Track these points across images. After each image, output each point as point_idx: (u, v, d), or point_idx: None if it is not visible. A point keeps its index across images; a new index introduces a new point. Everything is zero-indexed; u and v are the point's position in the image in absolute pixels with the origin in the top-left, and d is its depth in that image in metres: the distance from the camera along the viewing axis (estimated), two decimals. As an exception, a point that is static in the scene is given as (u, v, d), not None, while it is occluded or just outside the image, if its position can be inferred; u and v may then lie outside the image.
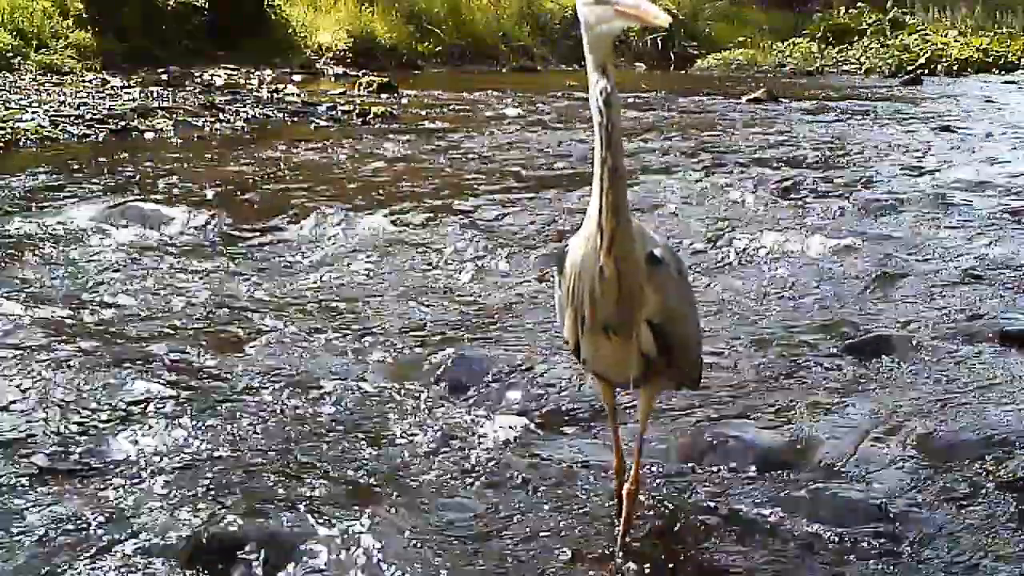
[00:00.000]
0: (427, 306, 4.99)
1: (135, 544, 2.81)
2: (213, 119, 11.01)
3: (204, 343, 4.38)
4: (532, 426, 3.66)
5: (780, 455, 3.46)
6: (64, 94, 11.87)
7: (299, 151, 9.39)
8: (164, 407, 3.68)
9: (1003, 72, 20.76)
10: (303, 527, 2.90)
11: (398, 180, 8.24)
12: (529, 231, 6.48)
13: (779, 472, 3.35)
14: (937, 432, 3.63)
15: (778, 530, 3.00)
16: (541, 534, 2.96)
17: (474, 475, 3.29)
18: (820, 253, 5.94)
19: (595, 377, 2.87)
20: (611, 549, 2.87)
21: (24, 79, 13.03)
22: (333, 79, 16.89)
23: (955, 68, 20.87)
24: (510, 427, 3.62)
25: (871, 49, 22.48)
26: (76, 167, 8.19)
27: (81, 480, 3.17)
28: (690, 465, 3.42)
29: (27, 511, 2.97)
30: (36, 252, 5.67)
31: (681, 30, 23.22)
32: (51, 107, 10.68)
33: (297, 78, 15.82)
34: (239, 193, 7.57)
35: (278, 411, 3.71)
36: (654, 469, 3.35)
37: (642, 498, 3.02)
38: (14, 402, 3.66)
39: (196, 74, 14.84)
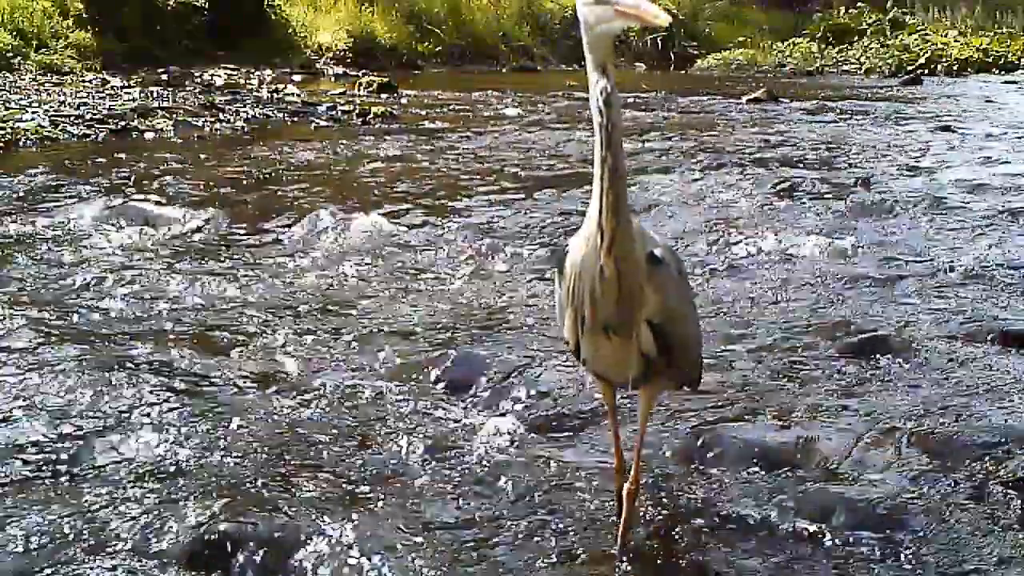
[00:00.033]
0: (427, 306, 4.99)
1: (135, 544, 2.81)
2: (213, 119, 11.01)
3: (204, 343, 4.38)
4: (532, 426, 3.66)
5: (780, 455, 3.45)
6: (64, 94, 11.87)
7: (299, 151, 9.39)
8: (164, 407, 3.68)
9: (1003, 72, 20.77)
10: (302, 527, 2.90)
11: (398, 180, 8.24)
12: (529, 231, 6.48)
13: (779, 472, 3.35)
14: (937, 432, 3.63)
15: (778, 530, 3.00)
16: (541, 534, 2.95)
17: (474, 475, 3.29)
18: (820, 253, 5.95)
19: (595, 377, 2.87)
20: (611, 549, 2.87)
21: (24, 79, 13.03)
22: (333, 79, 16.90)
23: (955, 68, 20.88)
24: (509, 427, 3.62)
25: (871, 49, 22.49)
26: (76, 167, 8.19)
27: (80, 481, 3.17)
28: (690, 465, 3.42)
29: (26, 512, 2.97)
30: (36, 252, 5.67)
31: (681, 30, 23.23)
32: (51, 107, 10.68)
33: (297, 78, 15.83)
34: (239, 193, 7.57)
35: (278, 412, 3.71)
36: (654, 469, 3.35)
37: (642, 498, 3.01)
38: (13, 403, 3.66)
39: (196, 74, 14.85)
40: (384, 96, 14.27)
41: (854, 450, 3.51)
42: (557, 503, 3.13)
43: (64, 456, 3.30)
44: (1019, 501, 3.18)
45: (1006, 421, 3.74)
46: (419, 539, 2.90)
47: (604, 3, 2.33)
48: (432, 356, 4.20)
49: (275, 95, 13.24)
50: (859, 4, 24.40)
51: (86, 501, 3.03)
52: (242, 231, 6.36)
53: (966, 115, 13.51)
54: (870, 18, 23.83)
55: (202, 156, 9.09)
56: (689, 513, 3.12)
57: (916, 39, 22.32)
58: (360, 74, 16.60)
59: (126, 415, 3.61)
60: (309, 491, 3.14)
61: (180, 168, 8.40)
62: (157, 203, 6.83)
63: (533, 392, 3.92)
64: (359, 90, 14.77)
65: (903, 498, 3.18)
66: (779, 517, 3.06)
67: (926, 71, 20.44)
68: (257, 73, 15.85)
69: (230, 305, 4.90)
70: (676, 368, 2.73)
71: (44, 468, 3.23)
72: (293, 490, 3.15)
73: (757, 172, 8.66)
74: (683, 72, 22.19)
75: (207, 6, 17.35)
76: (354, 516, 2.98)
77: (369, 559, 2.78)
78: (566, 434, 3.64)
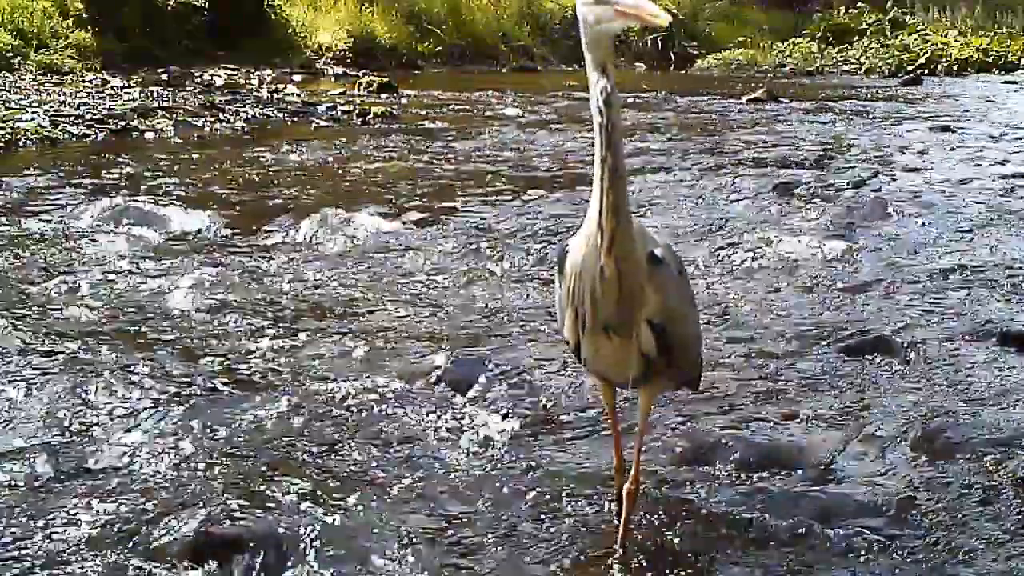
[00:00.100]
0: (427, 306, 4.99)
1: (135, 544, 2.81)
2: (213, 119, 11.01)
3: (204, 343, 4.38)
4: (531, 426, 3.66)
5: (780, 455, 3.45)
6: (64, 94, 11.87)
7: (299, 151, 9.40)
8: (164, 407, 3.68)
9: (1003, 72, 20.78)
10: (302, 527, 2.90)
11: (398, 180, 8.24)
12: (529, 231, 6.48)
13: (779, 472, 3.35)
14: (937, 432, 3.63)
15: (778, 530, 3.00)
16: (541, 534, 2.95)
17: (474, 475, 3.29)
18: (820, 253, 5.94)
19: (595, 377, 2.87)
20: (611, 549, 2.87)
21: (24, 79, 13.03)
22: (333, 79, 16.90)
23: (955, 68, 20.89)
24: (509, 427, 3.62)
25: (871, 49, 22.49)
26: (76, 167, 8.20)
27: (80, 481, 3.17)
28: (690, 465, 3.42)
29: (27, 512, 2.97)
30: (35, 252, 5.67)
31: (681, 30, 23.23)
32: (51, 107, 10.68)
33: (297, 78, 15.83)
34: (239, 193, 7.57)
35: (277, 411, 3.70)
36: (654, 469, 3.35)
37: (642, 498, 3.01)
38: (11, 403, 3.66)
39: (196, 74, 14.85)
40: (384, 96, 14.27)
41: (854, 450, 3.51)
42: (557, 503, 3.13)
43: (64, 456, 3.30)
44: (1020, 501, 3.18)
45: (1006, 421, 3.74)
46: (418, 539, 2.90)
47: (604, 3, 2.33)
48: (432, 356, 4.20)
49: (275, 95, 13.24)
50: (859, 4, 24.40)
51: (86, 501, 3.03)
52: (242, 231, 6.36)
53: (966, 115, 13.51)
54: (870, 18, 23.83)
55: (202, 156, 9.08)
56: (689, 513, 3.11)
57: (916, 39, 22.33)
58: (360, 74, 16.61)
59: (126, 415, 3.61)
60: (308, 491, 3.14)
61: (180, 168, 8.40)
62: (157, 203, 6.83)
63: (533, 392, 3.92)
64: (359, 90, 14.77)
65: (903, 498, 3.18)
66: (779, 517, 3.05)
67: (926, 71, 20.44)
68: (257, 73, 15.86)
69: (230, 305, 4.90)
70: (676, 368, 2.73)
71: (43, 468, 3.22)
72: (292, 490, 3.14)
73: (757, 172, 8.67)
74: (683, 72, 22.19)
75: (207, 6, 17.34)
76: (354, 516, 2.98)
77: (369, 559, 2.78)
78: (566, 434, 3.64)
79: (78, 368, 3.96)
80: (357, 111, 12.09)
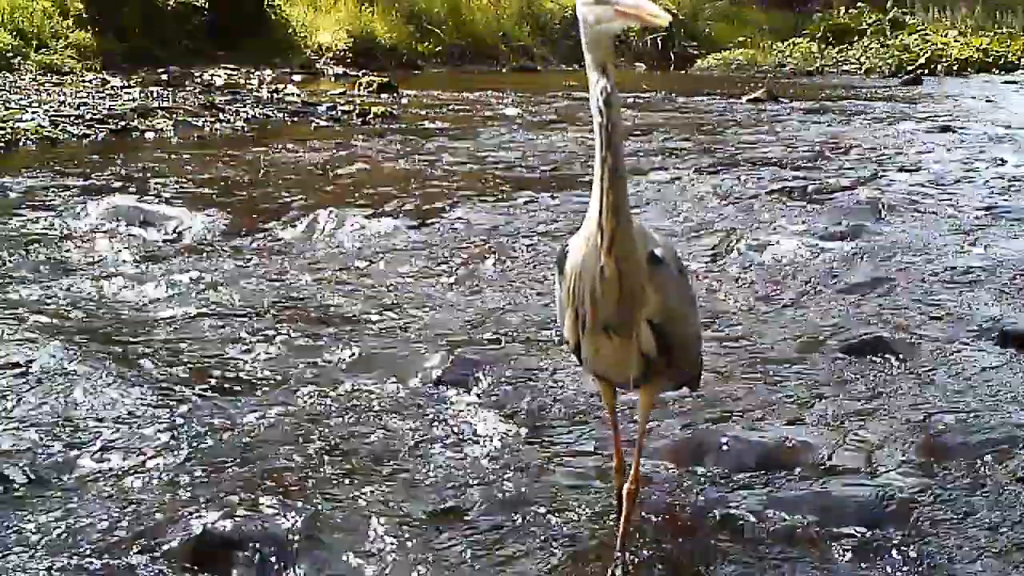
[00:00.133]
0: (426, 306, 4.99)
1: (135, 542, 2.81)
2: (213, 119, 11.01)
3: (203, 344, 4.38)
4: (531, 426, 3.66)
5: (780, 455, 3.45)
6: (64, 94, 11.87)
7: (299, 151, 9.40)
8: (164, 407, 3.68)
9: (1003, 72, 20.78)
10: (302, 526, 2.90)
11: (397, 180, 8.24)
12: (529, 231, 6.48)
13: (779, 472, 3.35)
14: (937, 432, 3.63)
15: (778, 530, 3.00)
16: (541, 533, 2.95)
17: (474, 475, 3.28)
18: (819, 253, 5.94)
19: (595, 377, 2.87)
20: (611, 549, 2.87)
21: (24, 79, 13.04)
22: (333, 79, 16.90)
23: (955, 68, 20.90)
24: (509, 427, 3.62)
25: (871, 49, 22.50)
26: (76, 167, 8.19)
27: (81, 480, 3.17)
28: (690, 465, 3.42)
29: (26, 513, 2.97)
30: (35, 252, 5.67)
31: (681, 30, 23.24)
32: (51, 107, 10.68)
33: (297, 78, 15.83)
34: (239, 193, 7.57)
35: (277, 411, 3.71)
36: (654, 469, 3.35)
37: (642, 498, 3.01)
38: (12, 404, 3.66)
39: (196, 74, 14.85)
40: (384, 96, 14.28)
41: (854, 450, 3.51)
42: (557, 503, 3.13)
43: (64, 456, 3.30)
44: (1020, 501, 3.18)
45: (1006, 421, 3.74)
46: (418, 539, 2.90)
47: (604, 3, 2.33)
48: (432, 356, 4.20)
49: (275, 95, 13.25)
50: (859, 4, 24.41)
51: (86, 501, 3.03)
52: (242, 231, 6.36)
53: (966, 115, 13.51)
54: (870, 18, 23.84)
55: (202, 156, 9.08)
56: (689, 513, 3.12)
57: (916, 39, 22.33)
58: (360, 74, 16.61)
59: (126, 415, 3.61)
60: (308, 491, 3.14)
61: (180, 168, 8.40)
62: (157, 203, 6.83)
63: (533, 392, 3.92)
64: (359, 90, 14.78)
65: (903, 498, 3.18)
66: (779, 517, 3.06)
67: (926, 71, 20.45)
68: (257, 73, 15.86)
69: (230, 305, 4.90)
70: (676, 368, 2.73)
71: (44, 469, 3.22)
72: (292, 491, 3.15)
73: (757, 172, 8.66)
74: (683, 72, 22.20)
75: (207, 6, 17.35)
76: (354, 516, 2.98)
77: (369, 558, 2.79)
78: (566, 434, 3.64)
79: (77, 368, 3.96)
80: (357, 111, 12.09)
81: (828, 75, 21.29)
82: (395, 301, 5.06)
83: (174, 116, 10.86)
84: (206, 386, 3.91)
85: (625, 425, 3.09)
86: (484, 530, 2.97)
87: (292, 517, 2.94)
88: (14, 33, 14.34)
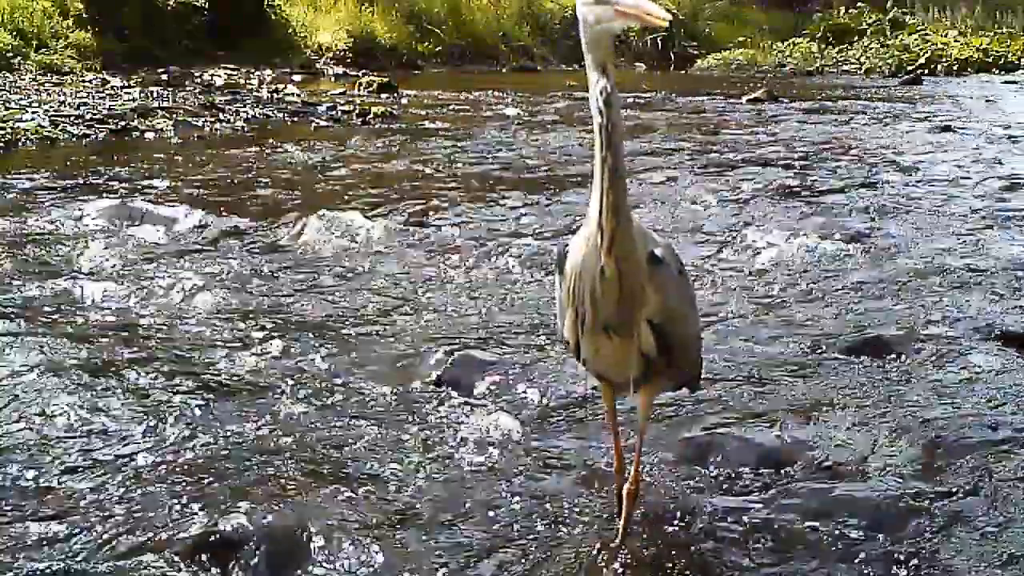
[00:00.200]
0: (426, 306, 4.99)
1: (137, 542, 2.81)
2: (213, 119, 11.01)
3: (203, 343, 4.38)
4: (532, 426, 3.66)
5: (780, 455, 3.45)
6: (64, 94, 11.88)
7: (299, 151, 9.40)
8: (163, 407, 3.68)
9: (1003, 72, 20.81)
10: (302, 525, 2.90)
11: (397, 180, 8.25)
12: (529, 231, 6.48)
13: (779, 472, 3.35)
14: (937, 432, 3.62)
15: (778, 530, 3.00)
16: (541, 534, 2.95)
17: (473, 475, 3.28)
18: (819, 253, 5.94)
19: (595, 377, 2.87)
20: (611, 549, 2.87)
21: (24, 79, 13.04)
22: (333, 79, 16.91)
23: (955, 68, 20.92)
24: (509, 427, 3.62)
25: (871, 49, 22.52)
26: (76, 167, 8.20)
27: (81, 480, 3.17)
28: (690, 465, 3.42)
29: (28, 512, 2.97)
30: (35, 252, 5.67)
31: (681, 30, 23.25)
32: (51, 107, 10.69)
33: (297, 78, 15.84)
34: (239, 193, 7.57)
35: (277, 411, 3.71)
36: (654, 469, 3.35)
37: (642, 498, 3.01)
38: (12, 404, 3.66)
39: (196, 74, 14.86)
40: (384, 96, 14.28)
41: (854, 450, 3.51)
42: (557, 503, 3.12)
43: (64, 456, 3.30)
44: (1019, 501, 3.18)
45: (1006, 421, 3.74)
46: (418, 538, 2.90)
47: (604, 3, 2.33)
48: (432, 356, 4.20)
49: (275, 95, 13.25)
50: (859, 4, 24.42)
51: (87, 500, 3.03)
52: (242, 231, 6.35)
53: (966, 115, 13.52)
54: (870, 18, 23.86)
55: (202, 156, 9.09)
56: (689, 513, 3.11)
57: (916, 39, 22.35)
58: (360, 74, 16.62)
59: (126, 415, 3.61)
60: (308, 490, 3.14)
61: (180, 168, 8.41)
62: (157, 203, 6.82)
63: (533, 392, 3.92)
64: (359, 90, 14.78)
65: (903, 498, 3.18)
66: (779, 517, 3.05)
67: (926, 71, 20.47)
68: (257, 73, 15.87)
69: (230, 305, 4.90)
70: (676, 368, 2.72)
71: (44, 468, 3.22)
72: (292, 489, 3.15)
73: (756, 172, 8.67)
74: (683, 72, 22.21)
75: (207, 6, 17.36)
76: (353, 515, 2.98)
77: (368, 557, 2.78)
78: (565, 434, 3.64)
79: (77, 368, 3.95)
80: (357, 111, 12.09)
81: (828, 75, 21.31)
82: (395, 301, 5.05)
83: (174, 116, 10.87)
84: (206, 386, 3.91)
85: (625, 426, 3.09)
86: (484, 530, 2.97)
87: (292, 517, 2.94)
88: (14, 33, 14.34)
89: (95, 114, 10.51)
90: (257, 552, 2.77)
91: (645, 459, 3.11)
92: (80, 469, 3.23)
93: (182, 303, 4.89)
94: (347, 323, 4.72)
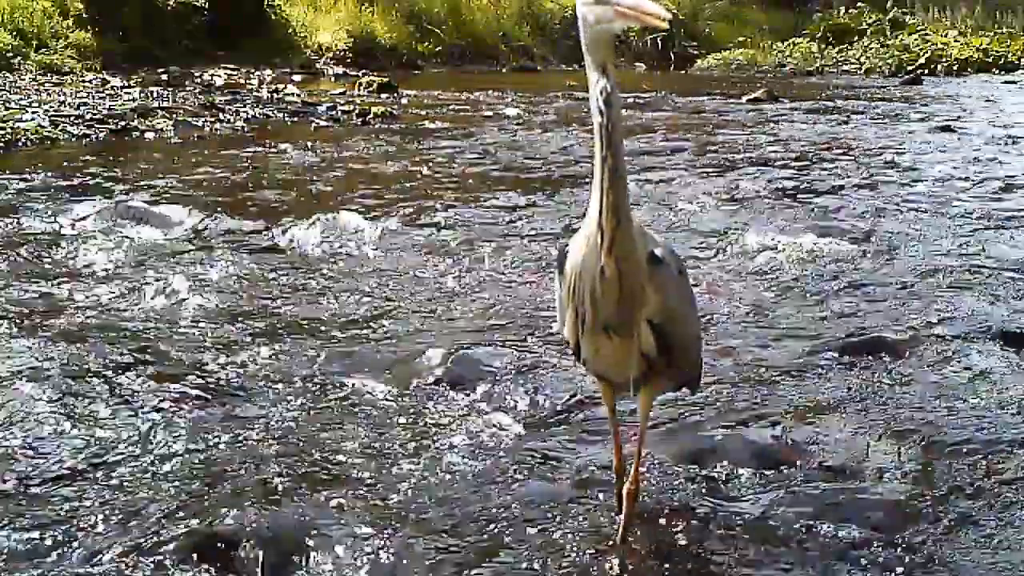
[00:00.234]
0: (427, 306, 4.99)
1: (136, 542, 2.81)
2: (213, 119, 11.01)
3: (203, 343, 4.38)
4: (531, 426, 3.66)
5: (780, 455, 3.45)
6: (64, 94, 11.88)
7: (299, 151, 9.39)
8: (163, 407, 3.68)
9: (1003, 72, 20.81)
10: (302, 525, 2.90)
11: (397, 180, 8.25)
12: (529, 231, 6.48)
13: (779, 472, 3.35)
14: (937, 432, 3.63)
15: (778, 530, 3.00)
16: (541, 534, 2.95)
17: (474, 474, 3.28)
18: (819, 253, 5.95)
19: (595, 377, 2.87)
20: (611, 548, 2.87)
21: (24, 79, 13.04)
22: (333, 79, 16.91)
23: (955, 68, 20.92)
24: (509, 427, 3.62)
25: (871, 49, 22.52)
26: (76, 167, 8.19)
27: (82, 480, 3.17)
28: (690, 465, 3.42)
29: (27, 513, 2.97)
30: (34, 252, 5.66)
31: (681, 30, 23.25)
32: (51, 107, 10.68)
33: (297, 78, 15.84)
34: (239, 193, 7.57)
35: (277, 410, 3.71)
36: (654, 469, 3.35)
37: (642, 498, 3.01)
38: (12, 404, 3.66)
39: (196, 74, 14.86)
40: (384, 96, 14.28)
41: (854, 450, 3.51)
42: (556, 503, 3.12)
43: (63, 457, 3.30)
44: (1019, 501, 3.18)
45: (1006, 421, 3.74)
46: (417, 538, 2.90)
47: (604, 3, 2.33)
48: (432, 355, 4.19)
49: (275, 95, 13.25)
50: (859, 4, 24.43)
51: (86, 501, 3.03)
52: (242, 231, 6.35)
53: (966, 115, 13.52)
54: (870, 18, 23.86)
55: (202, 156, 9.08)
56: (689, 513, 3.11)
57: (916, 39, 22.35)
58: (360, 74, 16.62)
59: (125, 415, 3.61)
60: (307, 491, 3.14)
61: (180, 168, 8.40)
62: (157, 203, 6.82)
63: (532, 392, 3.92)
64: (359, 90, 14.78)
65: (903, 498, 3.18)
66: (779, 517, 3.06)
67: (926, 71, 20.48)
68: (257, 73, 15.87)
69: (229, 306, 4.90)
70: (676, 368, 2.72)
71: (44, 468, 3.22)
72: (291, 491, 3.15)
73: (756, 172, 8.67)
74: (683, 72, 22.21)
75: (207, 6, 17.36)
76: (353, 515, 2.98)
77: (368, 557, 2.79)
78: (565, 434, 3.64)
79: (77, 368, 3.96)
80: (357, 111, 12.09)
81: (828, 75, 21.31)
82: (394, 301, 5.05)
83: (174, 116, 10.87)
84: (204, 387, 3.91)
85: (625, 426, 3.09)
86: (484, 530, 2.97)
87: (291, 517, 2.95)
88: (14, 33, 14.34)
89: (95, 114, 10.50)
90: (255, 554, 2.77)
91: (645, 459, 3.11)
92: (76, 471, 3.23)
93: (181, 304, 4.88)
94: (347, 323, 4.71)
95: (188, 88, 13.34)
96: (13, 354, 4.10)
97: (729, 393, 3.98)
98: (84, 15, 15.78)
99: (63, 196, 7.03)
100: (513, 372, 4.08)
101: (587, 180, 2.86)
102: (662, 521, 3.06)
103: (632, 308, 2.51)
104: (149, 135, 10.14)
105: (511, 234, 6.38)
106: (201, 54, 16.60)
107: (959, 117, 13.13)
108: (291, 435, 3.53)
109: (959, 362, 4.31)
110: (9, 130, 9.31)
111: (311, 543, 2.83)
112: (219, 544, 2.80)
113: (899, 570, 2.83)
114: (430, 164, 8.96)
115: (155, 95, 12.36)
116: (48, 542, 2.81)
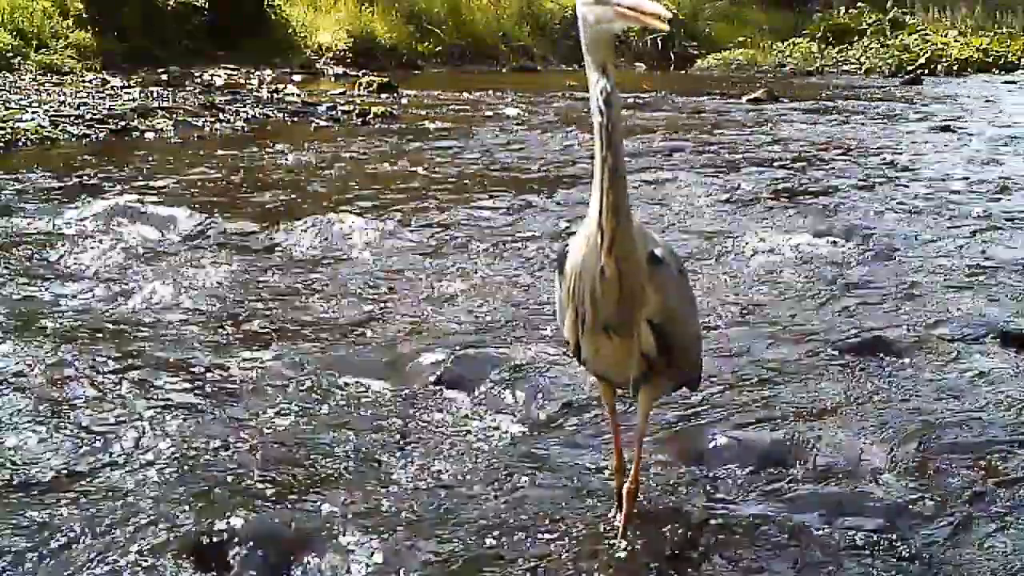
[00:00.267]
0: (427, 306, 4.99)
1: (135, 542, 2.81)
2: (213, 119, 11.01)
3: (203, 343, 4.38)
4: (531, 426, 3.66)
5: (780, 455, 3.45)
6: (64, 94, 11.87)
7: (299, 151, 9.39)
8: (163, 407, 3.68)
9: (1003, 72, 20.81)
10: (302, 525, 2.90)
11: (397, 180, 8.25)
12: (529, 231, 6.48)
13: (779, 472, 3.35)
14: (937, 432, 3.63)
15: (778, 530, 3.00)
16: (541, 534, 2.95)
17: (473, 475, 3.28)
18: (819, 253, 5.95)
19: (595, 377, 2.87)
20: (611, 548, 2.87)
21: (24, 79, 13.04)
22: (333, 79, 16.90)
23: (955, 68, 20.92)
24: (509, 427, 3.62)
25: (871, 49, 22.52)
26: (76, 167, 8.19)
27: (81, 480, 3.17)
28: (690, 465, 3.42)
29: (26, 513, 2.97)
30: (35, 252, 5.66)
31: (681, 30, 23.24)
32: (51, 107, 10.68)
33: (297, 78, 15.83)
34: (239, 193, 7.57)
35: (277, 410, 3.71)
36: (654, 469, 3.35)
37: (642, 498, 3.01)
38: (13, 403, 3.66)
39: (196, 74, 14.85)
40: (384, 96, 14.28)
41: (854, 450, 3.51)
42: (556, 503, 3.13)
43: (65, 456, 3.30)
44: (1020, 501, 3.18)
45: (1006, 421, 3.75)
46: (417, 538, 2.90)
47: (604, 3, 2.33)
48: (431, 355, 4.19)
49: (275, 95, 13.25)
50: (859, 4, 24.42)
51: (85, 501, 3.03)
52: (242, 231, 6.35)
53: (966, 115, 13.52)
54: (870, 18, 23.86)
55: (202, 156, 9.08)
56: (689, 513, 3.12)
57: (916, 39, 22.35)
58: (360, 74, 16.62)
59: (128, 414, 3.61)
60: (308, 490, 3.15)
61: (180, 168, 8.40)
62: (157, 203, 6.82)
63: (532, 392, 3.92)
64: (359, 90, 14.78)
65: (903, 498, 3.18)
66: (779, 517, 3.06)
67: (926, 71, 20.47)
68: (257, 73, 15.86)
69: (227, 306, 4.90)
70: (676, 368, 2.72)
71: (44, 468, 3.22)
72: (292, 489, 3.15)
73: (756, 172, 8.67)
74: (683, 72, 22.21)
75: (207, 6, 17.35)
76: (353, 515, 2.98)
77: (368, 557, 2.79)
78: (565, 434, 3.64)
79: (76, 368, 3.95)
80: (357, 111, 12.09)
81: (828, 75, 21.30)
82: (394, 301, 5.05)
83: (174, 116, 10.86)
84: (203, 388, 3.91)
85: (625, 425, 3.09)
86: (484, 530, 2.97)
87: (291, 517, 2.95)
88: (14, 33, 14.34)
89: (95, 114, 10.50)
90: (253, 554, 2.77)
91: (645, 459, 3.11)
92: (73, 472, 3.22)
93: (180, 304, 4.88)
94: (346, 324, 4.71)
95: (188, 88, 13.34)
96: (9, 354, 4.09)
97: (729, 393, 3.98)
98: (84, 15, 15.78)
99: (63, 196, 7.03)
100: (513, 372, 4.07)
101: (587, 180, 2.86)
102: (662, 521, 3.06)
103: (632, 308, 2.51)
104: (149, 135, 10.14)
105: (511, 234, 6.38)
106: (201, 54, 16.59)
107: (959, 117, 13.13)
108: (289, 436, 3.53)
109: (959, 362, 4.31)
110: (9, 130, 9.31)
111: (307, 546, 2.82)
112: (217, 546, 2.80)
113: (899, 570, 2.83)
114: (430, 164, 8.96)
115: (155, 95, 12.36)
116: (39, 546, 2.80)
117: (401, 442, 3.50)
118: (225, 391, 3.88)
